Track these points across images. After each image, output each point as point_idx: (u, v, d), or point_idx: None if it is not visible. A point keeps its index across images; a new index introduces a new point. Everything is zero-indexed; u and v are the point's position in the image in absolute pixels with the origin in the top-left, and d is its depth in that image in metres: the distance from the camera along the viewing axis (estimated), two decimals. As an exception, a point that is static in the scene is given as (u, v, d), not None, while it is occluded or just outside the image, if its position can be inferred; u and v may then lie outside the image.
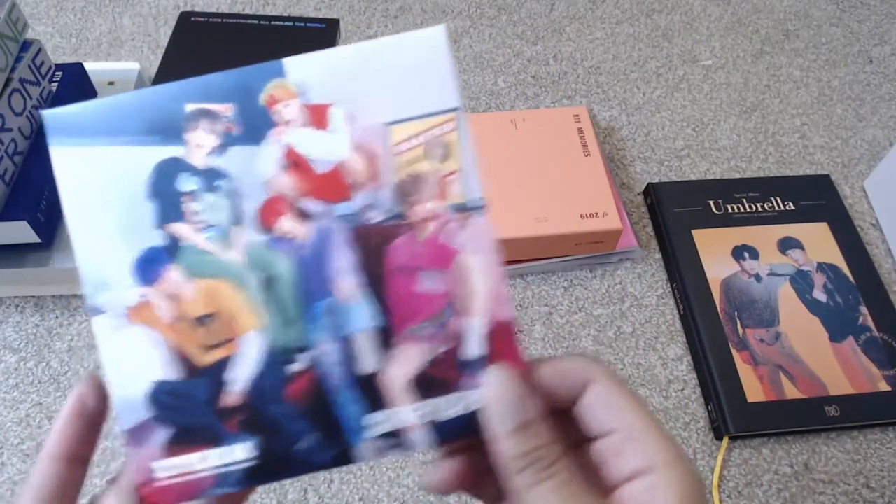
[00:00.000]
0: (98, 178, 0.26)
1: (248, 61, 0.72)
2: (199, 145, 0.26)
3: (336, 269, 0.26)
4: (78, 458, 0.27)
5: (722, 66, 0.83)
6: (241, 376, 0.26)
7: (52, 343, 0.61)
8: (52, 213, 0.61)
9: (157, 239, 0.26)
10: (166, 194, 0.26)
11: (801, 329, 0.61)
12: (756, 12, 0.89)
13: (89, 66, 0.70)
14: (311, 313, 0.26)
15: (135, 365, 0.26)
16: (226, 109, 0.26)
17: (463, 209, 0.27)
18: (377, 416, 0.27)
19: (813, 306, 0.62)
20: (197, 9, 0.86)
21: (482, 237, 0.26)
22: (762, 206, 0.68)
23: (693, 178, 0.73)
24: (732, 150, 0.75)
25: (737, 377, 0.58)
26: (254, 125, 0.26)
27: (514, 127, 0.69)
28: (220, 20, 0.68)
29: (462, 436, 0.27)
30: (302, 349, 0.26)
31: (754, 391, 0.57)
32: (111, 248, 0.26)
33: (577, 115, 0.70)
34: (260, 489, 0.54)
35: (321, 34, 0.68)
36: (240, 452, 0.26)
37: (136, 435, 0.26)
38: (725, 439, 0.56)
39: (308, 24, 0.68)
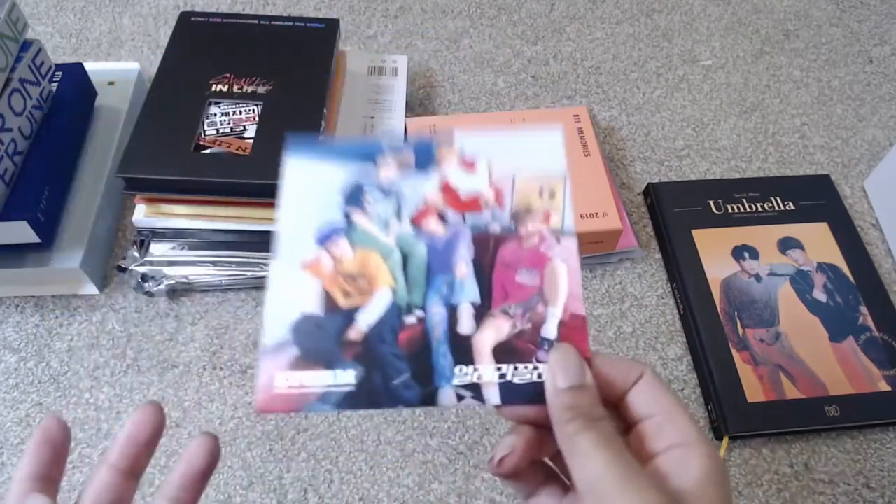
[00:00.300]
0: (311, 179, 0.36)
1: (249, 61, 0.72)
2: (387, 167, 0.36)
3: (458, 258, 0.35)
4: (132, 472, 0.32)
5: (722, 66, 0.83)
6: (368, 318, 0.33)
7: (52, 343, 0.61)
8: (52, 213, 0.61)
9: (338, 218, 0.35)
10: (353, 192, 0.36)
11: (801, 329, 0.61)
12: (756, 12, 0.89)
13: (89, 66, 0.70)
14: (432, 283, 0.34)
15: (294, 299, 0.33)
16: (409, 155, 0.37)
17: (558, 232, 0.36)
18: (465, 369, 0.33)
19: (813, 306, 0.62)
20: (197, 9, 0.86)
21: (570, 253, 0.35)
22: (762, 206, 0.68)
23: (693, 178, 0.73)
24: (732, 150, 0.75)
25: (737, 377, 0.58)
26: (426, 164, 0.37)
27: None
28: (220, 20, 0.68)
29: (529, 400, 0.32)
30: (418, 307, 0.34)
31: (754, 391, 0.57)
32: (305, 220, 0.35)
33: (577, 115, 0.70)
34: (259, 489, 0.54)
35: (321, 34, 0.68)
36: (346, 377, 0.32)
37: (272, 351, 0.32)
38: (725, 439, 0.56)
39: (308, 24, 0.68)
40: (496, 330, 0.33)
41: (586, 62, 0.83)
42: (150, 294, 0.63)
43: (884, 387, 0.58)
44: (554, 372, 0.31)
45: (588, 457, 0.28)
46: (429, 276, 0.35)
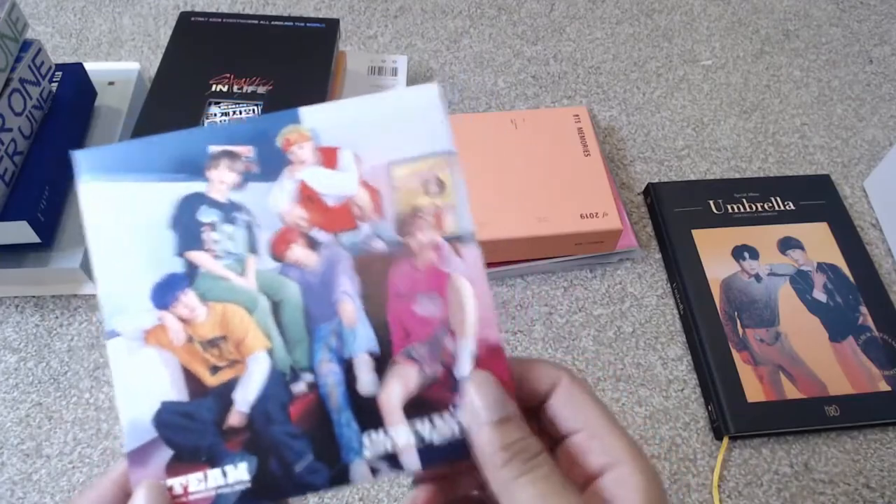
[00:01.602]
0: (123, 210, 0.28)
1: (249, 61, 0.72)
2: (221, 181, 0.28)
3: (340, 294, 0.28)
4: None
5: (722, 66, 0.83)
6: (247, 396, 0.28)
7: (52, 343, 0.61)
8: (52, 213, 0.61)
9: (176, 266, 0.28)
10: (187, 225, 0.28)
11: (801, 329, 0.61)
12: (756, 12, 0.89)
13: (89, 66, 0.70)
14: (315, 335, 0.28)
15: (146, 385, 0.27)
16: (246, 151, 0.29)
17: (456, 239, 0.29)
18: (374, 436, 0.28)
19: (813, 306, 0.62)
20: (197, 9, 0.86)
21: (473, 265, 0.29)
22: (762, 206, 0.68)
23: (693, 178, 0.73)
24: (732, 150, 0.75)
25: (737, 377, 0.58)
26: (271, 164, 0.29)
27: (514, 127, 0.69)
28: (220, 20, 0.68)
29: (452, 457, 0.28)
30: (305, 370, 0.28)
31: (754, 391, 0.57)
32: (132, 274, 0.28)
33: (577, 115, 0.70)
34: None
35: (321, 34, 0.68)
36: (238, 473, 0.27)
37: (139, 456, 0.27)
38: (725, 439, 0.56)
39: (308, 25, 0.68)
40: (403, 381, 0.28)
41: (586, 62, 0.83)
42: (150, 294, 0.63)
43: (884, 387, 0.58)
44: (475, 407, 0.27)
45: None
46: (309, 326, 0.28)
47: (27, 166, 0.61)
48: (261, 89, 0.63)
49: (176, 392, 0.27)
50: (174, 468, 0.27)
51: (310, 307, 0.28)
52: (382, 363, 0.28)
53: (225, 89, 0.63)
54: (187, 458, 0.27)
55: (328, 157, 0.29)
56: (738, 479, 0.55)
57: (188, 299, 0.28)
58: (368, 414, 0.28)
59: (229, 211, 0.28)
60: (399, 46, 0.83)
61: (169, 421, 0.27)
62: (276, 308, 0.28)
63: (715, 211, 0.68)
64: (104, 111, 0.71)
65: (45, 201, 0.60)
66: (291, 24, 0.69)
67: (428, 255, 0.29)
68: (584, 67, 0.82)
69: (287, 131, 0.29)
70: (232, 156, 0.29)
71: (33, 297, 0.63)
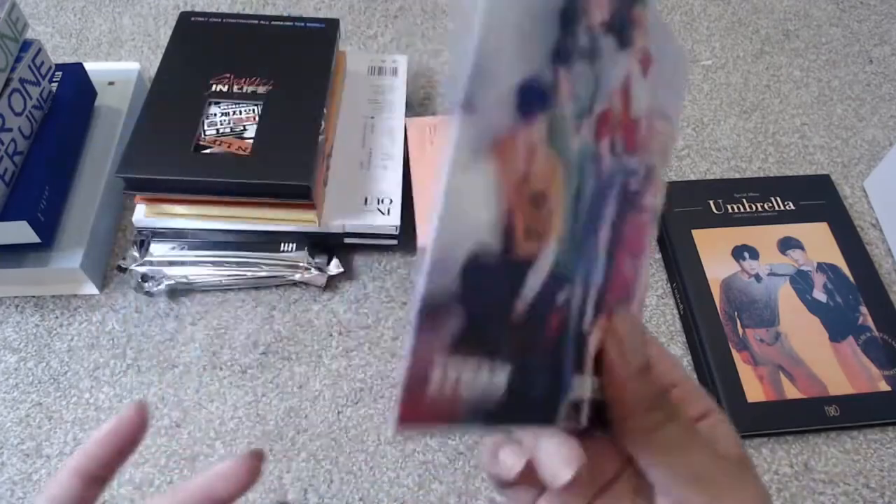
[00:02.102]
0: None
1: (249, 61, 0.72)
2: (597, 8, 0.22)
3: (606, 215, 0.24)
4: (98, 478, 0.29)
5: (722, 66, 0.83)
6: (534, 284, 0.22)
7: (52, 343, 0.61)
8: (52, 213, 0.61)
9: (545, 73, 0.21)
10: (566, 31, 0.21)
11: (801, 329, 0.61)
12: (756, 12, 0.89)
13: (89, 66, 0.70)
14: (586, 246, 0.24)
15: (469, 212, 0.19)
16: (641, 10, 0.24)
17: (656, 208, 0.28)
18: (578, 380, 0.24)
19: (813, 306, 0.62)
20: (197, 9, 0.86)
21: (649, 241, 0.28)
22: (762, 206, 0.68)
23: (693, 178, 0.73)
24: (732, 150, 0.75)
25: (737, 377, 0.58)
26: (624, 28, 0.24)
27: (514, 127, 0.68)
28: (220, 20, 0.68)
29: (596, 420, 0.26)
30: (568, 280, 0.23)
31: (754, 391, 0.57)
32: (506, 54, 0.20)
33: (578, 115, 0.70)
34: (259, 489, 0.54)
35: (321, 34, 0.68)
36: (499, 378, 0.21)
37: (433, 314, 0.19)
38: (725, 439, 0.56)
39: (308, 24, 0.68)
40: (603, 332, 0.25)
41: (586, 62, 0.82)
42: (150, 294, 0.63)
43: (884, 387, 0.58)
44: (623, 351, 0.25)
45: (686, 450, 0.25)
46: (585, 232, 0.23)
47: (27, 166, 0.61)
48: (261, 89, 0.63)
49: (493, 238, 0.20)
50: (461, 344, 0.19)
51: (591, 213, 0.23)
52: (599, 305, 0.24)
53: (225, 89, 0.63)
54: (475, 335, 0.20)
55: (645, 64, 0.25)
56: (738, 479, 0.55)
57: (541, 127, 0.21)
58: (580, 353, 0.24)
59: (594, 47, 0.22)
60: (399, 46, 0.83)
61: (477, 277, 0.19)
62: (578, 195, 0.22)
63: (715, 211, 0.68)
64: (104, 111, 0.71)
65: (45, 201, 0.60)
66: (291, 24, 0.69)
67: (646, 217, 0.26)
68: (584, 67, 0.82)
69: (640, 4, 0.24)
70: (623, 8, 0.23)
71: (33, 297, 0.63)
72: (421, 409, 0.19)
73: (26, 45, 0.62)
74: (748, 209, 0.68)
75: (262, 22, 0.68)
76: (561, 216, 0.22)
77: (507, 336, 0.21)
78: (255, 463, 0.29)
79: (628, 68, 0.24)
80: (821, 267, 0.65)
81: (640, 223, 0.26)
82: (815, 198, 0.69)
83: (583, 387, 0.24)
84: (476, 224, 0.19)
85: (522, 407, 0.22)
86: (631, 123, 0.24)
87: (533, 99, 0.21)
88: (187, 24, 0.68)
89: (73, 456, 0.28)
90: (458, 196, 0.19)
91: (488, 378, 0.20)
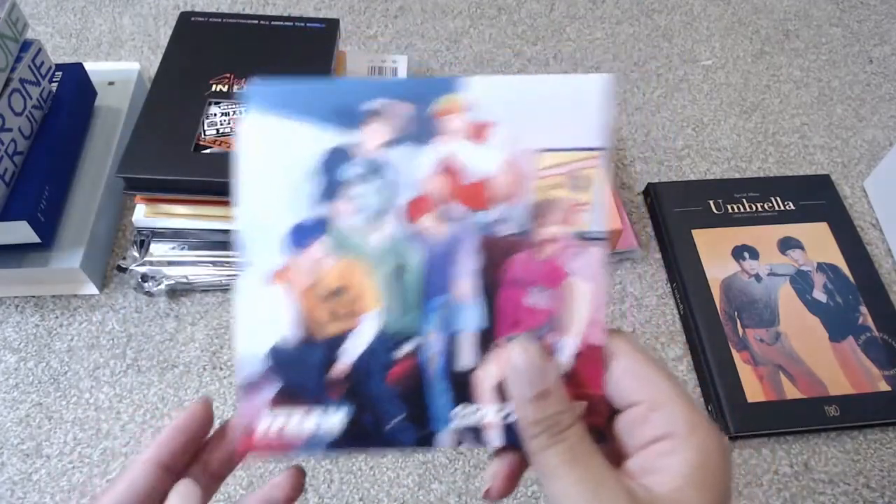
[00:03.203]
0: (277, 148, 0.29)
1: (249, 61, 0.72)
2: (372, 138, 0.29)
3: (459, 271, 0.29)
4: (171, 469, 0.30)
5: (722, 66, 0.83)
6: (353, 351, 0.29)
7: (52, 343, 0.61)
8: (52, 213, 0.61)
9: (314, 212, 0.29)
10: (332, 175, 0.29)
11: (801, 329, 0.61)
12: (756, 12, 0.89)
13: (89, 66, 0.70)
14: (428, 305, 0.29)
15: (265, 321, 0.29)
16: (403, 109, 0.29)
17: (584, 237, 0.29)
18: (463, 410, 0.29)
19: (813, 306, 0.62)
20: (197, 9, 0.86)
21: (594, 267, 0.29)
22: (762, 206, 0.68)
23: (693, 178, 0.73)
24: (732, 150, 0.75)
25: (737, 377, 0.58)
26: (422, 129, 0.29)
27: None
28: (220, 20, 0.68)
29: None
30: (412, 336, 0.29)
31: (754, 391, 0.57)
32: (273, 213, 0.28)
33: (578, 115, 0.70)
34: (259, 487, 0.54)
35: (321, 34, 0.68)
36: (336, 418, 0.29)
37: (250, 388, 0.29)
38: (725, 439, 0.56)
39: (308, 24, 0.68)
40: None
41: (586, 62, 0.82)
42: (150, 294, 0.63)
43: (884, 387, 0.58)
44: (514, 381, 0.27)
45: (554, 475, 0.26)
46: (425, 295, 0.29)
47: (27, 166, 0.61)
48: (261, 89, 0.63)
49: (292, 333, 0.29)
50: (279, 401, 0.29)
51: (429, 277, 0.29)
52: (485, 344, 0.29)
53: (225, 89, 0.63)
54: (293, 394, 0.29)
55: (478, 132, 0.29)
56: (738, 479, 0.55)
57: (320, 247, 0.29)
58: (463, 388, 0.29)
59: (374, 168, 0.29)
60: (399, 46, 0.83)
61: (282, 358, 0.29)
62: (398, 272, 0.29)
63: (715, 211, 0.68)
64: (104, 111, 0.71)
65: (45, 201, 0.60)
66: (291, 24, 0.69)
67: (551, 248, 0.29)
68: (584, 67, 0.82)
69: (445, 100, 0.29)
70: (387, 114, 0.29)
71: (33, 297, 0.63)
72: (255, 446, 0.29)
73: (26, 45, 0.62)
74: (748, 209, 0.68)
75: (262, 22, 0.68)
76: (376, 294, 0.29)
77: (331, 389, 0.29)
78: (299, 479, 0.31)
79: (447, 150, 0.29)
80: (821, 267, 0.64)
81: (537, 257, 0.29)
82: (815, 198, 0.69)
83: (477, 415, 0.29)
84: (272, 328, 0.28)
85: (372, 436, 0.29)
86: (472, 187, 0.29)
87: (305, 235, 0.28)
88: (187, 24, 0.68)
89: (149, 448, 0.30)
90: (251, 312, 0.28)
91: (320, 419, 0.29)
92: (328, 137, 0.29)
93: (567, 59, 0.83)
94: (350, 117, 0.29)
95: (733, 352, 0.59)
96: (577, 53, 0.83)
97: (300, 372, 0.29)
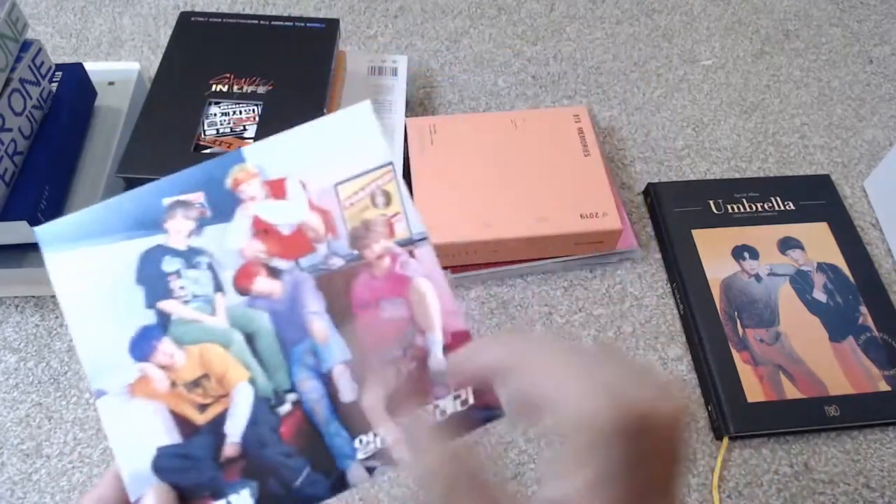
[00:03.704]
0: (90, 274, 0.29)
1: (249, 61, 0.72)
2: (178, 231, 0.30)
3: (308, 315, 0.30)
4: None
5: (722, 66, 0.83)
6: (236, 426, 0.29)
7: (52, 343, 0.61)
8: (52, 213, 0.61)
9: (148, 318, 0.29)
10: (153, 277, 0.30)
11: (801, 329, 0.61)
12: (756, 12, 0.89)
13: (89, 66, 0.70)
14: (292, 357, 0.30)
15: (140, 436, 0.29)
16: (197, 197, 0.30)
17: (409, 242, 0.31)
18: (364, 439, 0.29)
19: (813, 306, 0.62)
20: (197, 9, 0.86)
21: (429, 263, 0.31)
22: (762, 206, 0.68)
23: (693, 178, 0.73)
24: (732, 150, 0.75)
25: (737, 377, 0.58)
26: (223, 206, 0.30)
27: (514, 127, 0.69)
28: (220, 20, 0.68)
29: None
30: (288, 391, 0.30)
31: (754, 391, 0.57)
32: (108, 334, 0.29)
33: (577, 115, 0.70)
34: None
35: (321, 34, 0.68)
36: (242, 499, 0.29)
37: (146, 499, 0.28)
38: (725, 439, 0.56)
39: (308, 24, 0.68)
40: (380, 383, 0.30)
41: (586, 62, 0.82)
42: (150, 294, 0.63)
43: (884, 387, 0.58)
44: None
45: None
46: (285, 349, 0.30)
47: (27, 166, 0.61)
48: (261, 89, 0.63)
49: (169, 436, 0.29)
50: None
51: (282, 332, 0.30)
52: (359, 370, 0.30)
53: (225, 89, 0.63)
54: (191, 496, 0.28)
55: (276, 189, 0.31)
56: (738, 479, 0.55)
57: (165, 347, 0.29)
58: (355, 420, 0.29)
59: (190, 257, 0.30)
60: (399, 46, 0.83)
61: (167, 465, 0.28)
62: (251, 339, 0.30)
63: (715, 211, 0.68)
64: (104, 111, 0.71)
65: (45, 201, 0.60)
66: (291, 24, 0.69)
67: (384, 263, 0.31)
68: (584, 67, 0.82)
69: (234, 171, 0.31)
70: (185, 205, 0.30)
71: (33, 297, 0.63)
72: None
73: (26, 45, 0.62)
74: (748, 209, 0.68)
75: (262, 22, 0.68)
76: (240, 367, 0.29)
77: (228, 472, 0.29)
78: None
79: (253, 214, 0.31)
80: (821, 267, 0.65)
81: (375, 275, 0.31)
82: (815, 198, 0.69)
83: (377, 440, 0.29)
84: (148, 440, 0.28)
85: (289, 499, 0.29)
86: (290, 238, 0.31)
87: (147, 341, 0.29)
88: (187, 24, 0.68)
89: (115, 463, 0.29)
90: (122, 432, 0.28)
91: None
92: (135, 245, 0.30)
93: (567, 58, 0.83)
94: (151, 220, 0.30)
95: (733, 352, 0.59)
96: (577, 53, 0.83)
97: (191, 470, 0.29)
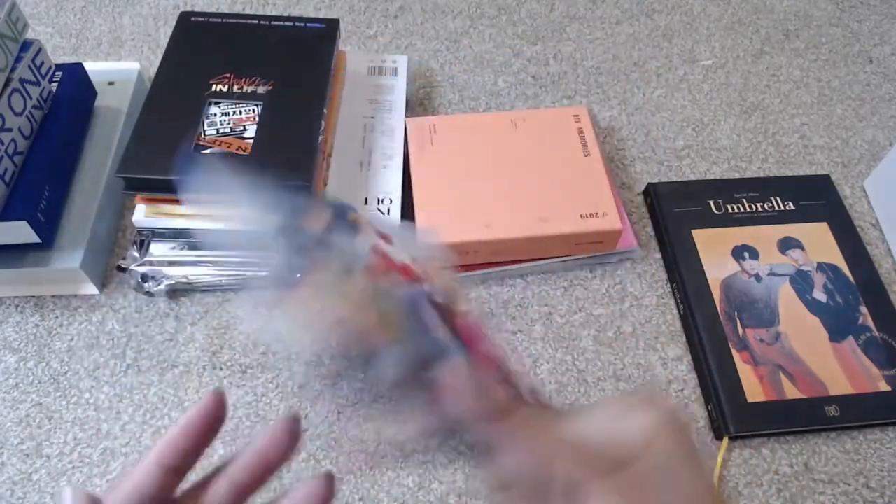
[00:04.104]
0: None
1: (249, 61, 0.72)
2: (313, 221, 0.33)
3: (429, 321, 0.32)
4: (179, 470, 0.29)
5: (722, 66, 0.83)
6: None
7: (52, 343, 0.61)
8: (52, 213, 0.61)
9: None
10: (295, 234, 0.33)
11: (801, 329, 0.61)
12: (756, 12, 0.89)
13: (89, 66, 0.70)
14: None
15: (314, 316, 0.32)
16: (328, 212, 0.34)
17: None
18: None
19: (813, 306, 0.62)
20: (197, 9, 0.86)
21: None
22: (762, 206, 0.68)
23: (693, 178, 0.73)
24: (732, 150, 0.75)
25: (737, 377, 0.58)
26: (346, 227, 0.34)
27: (514, 127, 0.69)
28: (220, 20, 0.68)
29: None
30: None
31: (754, 391, 0.57)
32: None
33: (577, 115, 0.70)
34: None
35: (321, 34, 0.68)
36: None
37: None
38: (725, 439, 0.56)
39: (308, 24, 0.68)
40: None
41: (586, 62, 0.82)
42: (150, 294, 0.63)
43: (884, 387, 0.58)
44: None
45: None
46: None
47: (27, 166, 0.61)
48: (261, 89, 0.63)
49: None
50: None
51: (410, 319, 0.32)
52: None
53: (225, 89, 0.63)
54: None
55: (385, 237, 0.34)
56: (738, 479, 0.55)
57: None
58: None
59: (323, 242, 0.33)
60: (399, 46, 0.83)
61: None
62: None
63: (715, 211, 0.68)
64: (104, 111, 0.71)
65: (45, 201, 0.60)
66: (291, 24, 0.69)
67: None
68: (584, 67, 0.82)
69: (352, 214, 0.34)
70: (318, 209, 0.34)
71: (33, 297, 0.63)
72: None
73: (26, 45, 0.62)
74: (748, 209, 0.68)
75: (261, 22, 0.68)
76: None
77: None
78: (295, 426, 0.30)
79: (371, 240, 0.33)
80: (821, 267, 0.65)
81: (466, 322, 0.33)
82: (815, 198, 0.69)
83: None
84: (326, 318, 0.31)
85: None
86: (402, 266, 0.33)
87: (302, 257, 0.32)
88: (187, 24, 0.68)
89: (156, 447, 0.29)
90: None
91: None
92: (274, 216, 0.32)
93: (567, 58, 0.83)
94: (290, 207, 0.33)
95: (733, 352, 0.59)
96: (577, 53, 0.83)
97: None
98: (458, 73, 0.81)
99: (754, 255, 0.65)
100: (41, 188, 0.60)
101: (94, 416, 0.57)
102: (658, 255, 0.67)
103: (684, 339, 0.62)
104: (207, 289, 0.63)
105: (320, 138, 0.61)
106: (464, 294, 0.34)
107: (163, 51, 0.66)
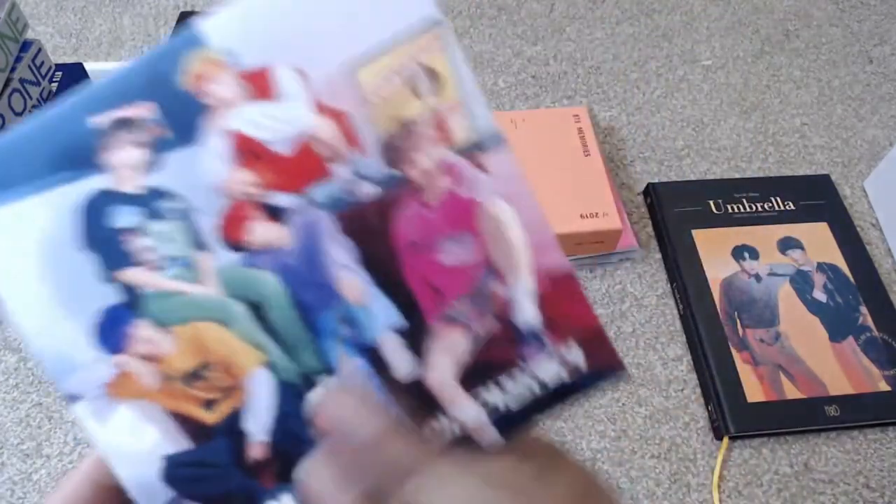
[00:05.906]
0: (15, 244, 0.21)
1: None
2: (126, 166, 0.21)
3: (334, 268, 0.22)
4: (114, 488, 0.25)
5: (722, 66, 0.83)
6: (260, 422, 0.22)
7: (52, 343, 0.60)
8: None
9: (109, 295, 0.21)
10: (104, 237, 0.21)
11: (801, 329, 0.61)
12: (756, 12, 0.89)
13: (89, 66, 0.70)
14: (319, 328, 0.22)
15: (136, 446, 0.22)
16: (146, 110, 0.21)
17: (475, 148, 0.21)
18: (436, 424, 0.22)
19: (813, 306, 0.62)
20: (197, 9, 0.86)
21: (507, 177, 0.21)
22: (762, 206, 0.68)
23: (693, 178, 0.73)
24: (732, 150, 0.75)
25: (737, 377, 0.58)
26: (184, 118, 0.21)
27: (514, 127, 0.69)
28: (219, 20, 0.68)
29: (536, 415, 0.23)
30: (320, 372, 0.22)
31: (754, 391, 0.57)
32: (61, 321, 0.21)
33: (577, 115, 0.70)
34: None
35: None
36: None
37: None
38: (725, 439, 0.56)
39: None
40: (449, 352, 0.22)
41: (586, 62, 0.82)
42: (150, 294, 0.63)
43: (884, 387, 0.58)
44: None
45: None
46: (308, 319, 0.22)
47: (27, 166, 0.61)
48: (261, 89, 0.63)
49: (174, 443, 0.22)
50: None
51: (300, 296, 0.22)
52: (416, 337, 0.22)
53: (225, 89, 0.63)
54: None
55: (260, 85, 0.21)
56: (738, 479, 0.55)
57: (142, 332, 0.21)
58: (419, 400, 0.22)
59: (151, 202, 0.21)
60: (399, 46, 0.83)
61: (182, 475, 0.22)
62: (258, 310, 0.22)
63: (715, 211, 0.68)
64: (104, 111, 0.71)
65: (45, 201, 0.60)
66: (291, 23, 0.68)
67: (439, 182, 0.21)
68: (584, 67, 0.82)
69: (193, 64, 0.21)
70: (129, 124, 0.21)
71: (33, 297, 0.63)
72: None
73: (26, 45, 0.62)
74: (748, 209, 0.68)
75: (261, 22, 0.68)
76: (249, 348, 0.22)
77: (261, 476, 0.22)
78: None
79: (231, 130, 0.21)
80: (821, 267, 0.64)
81: (429, 202, 0.21)
82: (815, 198, 0.69)
83: (454, 426, 0.23)
84: (147, 449, 0.22)
85: None
86: (292, 160, 0.21)
87: (116, 326, 0.21)
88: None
89: (86, 460, 0.26)
90: (113, 444, 0.22)
91: None
92: (67, 194, 0.21)
93: (567, 58, 0.83)
94: (81, 155, 0.21)
95: (733, 352, 0.59)
96: (577, 53, 0.83)
97: (214, 479, 0.22)
98: (458, 73, 0.81)
99: (754, 255, 0.65)
100: (41, 188, 0.60)
101: (94, 416, 0.57)
102: (658, 256, 0.67)
103: (684, 339, 0.62)
104: (207, 289, 0.63)
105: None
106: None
107: (163, 51, 0.66)
